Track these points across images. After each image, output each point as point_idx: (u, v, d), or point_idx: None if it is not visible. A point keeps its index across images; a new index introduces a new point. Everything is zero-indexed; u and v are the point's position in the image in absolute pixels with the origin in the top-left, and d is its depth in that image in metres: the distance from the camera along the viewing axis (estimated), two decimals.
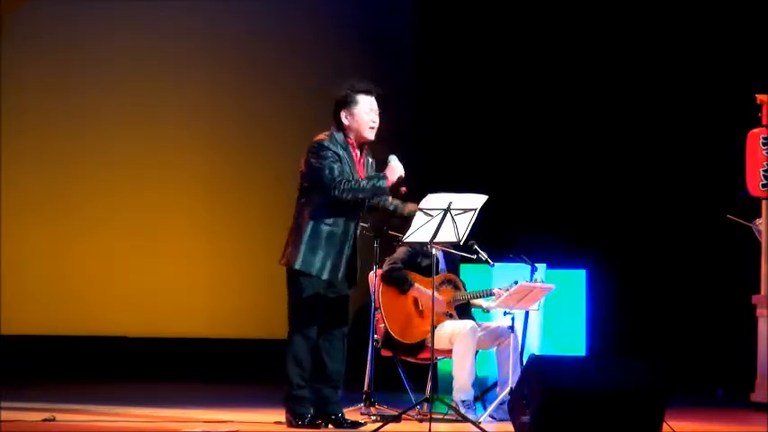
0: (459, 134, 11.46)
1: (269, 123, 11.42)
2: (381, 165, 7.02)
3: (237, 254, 11.36)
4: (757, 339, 9.29)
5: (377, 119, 6.99)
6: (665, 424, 6.48)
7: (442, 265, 8.11)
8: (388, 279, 7.86)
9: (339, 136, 6.95)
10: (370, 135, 6.99)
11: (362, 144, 7.03)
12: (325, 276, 6.87)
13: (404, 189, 6.98)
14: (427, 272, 7.26)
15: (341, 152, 6.90)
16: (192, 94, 11.43)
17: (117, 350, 11.12)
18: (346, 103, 6.96)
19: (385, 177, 6.90)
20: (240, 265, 11.35)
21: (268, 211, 11.20)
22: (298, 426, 6.88)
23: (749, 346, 9.40)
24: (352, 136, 6.98)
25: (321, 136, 6.96)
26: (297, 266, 6.86)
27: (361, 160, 7.02)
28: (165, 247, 11.33)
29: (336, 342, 6.99)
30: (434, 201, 7.02)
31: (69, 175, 11.20)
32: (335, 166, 6.83)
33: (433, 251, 7.55)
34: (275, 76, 11.49)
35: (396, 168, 6.94)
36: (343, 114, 6.97)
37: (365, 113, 6.96)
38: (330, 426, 6.96)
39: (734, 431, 7.95)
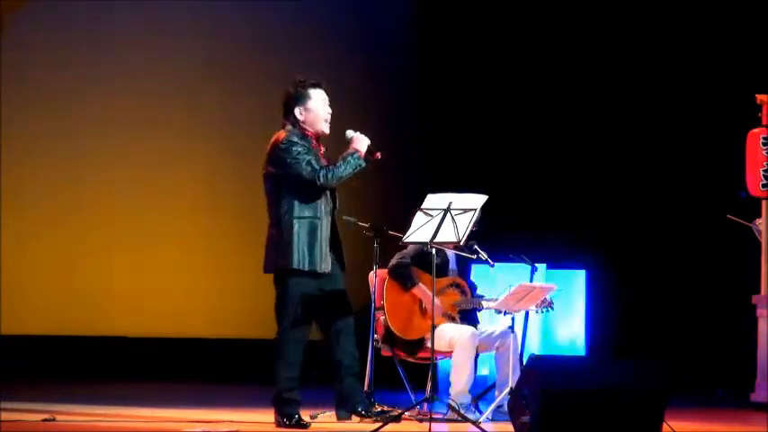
0: (459, 134, 11.46)
1: (269, 124, 11.36)
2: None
3: (237, 254, 11.35)
4: (757, 339, 9.29)
5: (330, 111, 7.04)
6: (665, 424, 6.48)
7: (453, 265, 8.10)
8: (393, 273, 7.85)
9: (296, 132, 6.98)
10: (326, 128, 7.05)
11: (318, 137, 7.06)
12: (321, 269, 6.89)
13: (378, 154, 7.00)
14: (436, 270, 7.26)
15: (306, 143, 6.95)
16: (192, 94, 11.44)
17: (117, 350, 11.12)
18: (300, 98, 7.01)
19: (356, 152, 6.93)
20: (240, 266, 11.33)
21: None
22: (285, 425, 6.91)
23: (749, 346, 9.40)
24: (310, 130, 7.02)
25: (281, 134, 6.98)
26: (294, 266, 6.87)
27: (321, 150, 7.04)
28: (165, 247, 11.33)
29: (344, 334, 7.04)
30: (434, 201, 7.02)
31: (69, 175, 11.20)
32: (311, 158, 6.89)
33: (446, 251, 7.59)
34: (275, 77, 11.45)
35: (360, 139, 6.98)
36: (297, 110, 7.01)
37: (319, 106, 7.02)
38: (357, 418, 7.00)
39: (734, 431, 7.95)
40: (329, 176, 6.84)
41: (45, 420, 7.06)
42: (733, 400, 9.84)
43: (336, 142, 7.15)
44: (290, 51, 11.49)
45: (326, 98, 7.04)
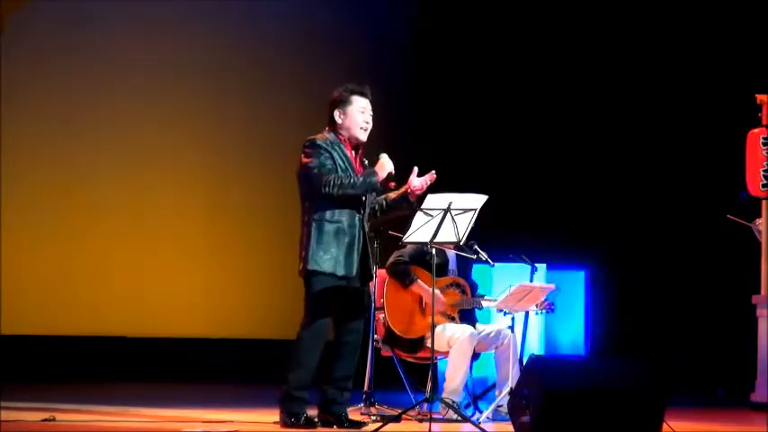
0: (458, 134, 11.47)
1: (268, 125, 11.42)
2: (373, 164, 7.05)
3: (237, 254, 11.37)
4: (757, 339, 9.30)
5: (370, 120, 7.08)
6: (665, 424, 6.48)
7: (453, 265, 8.10)
8: (391, 272, 7.88)
9: (332, 135, 7.03)
10: (362, 135, 7.06)
11: (356, 145, 7.08)
12: (340, 273, 6.89)
13: (392, 184, 7.03)
14: (436, 270, 7.26)
15: (334, 149, 6.96)
16: (192, 94, 11.44)
17: (117, 350, 11.12)
18: (341, 102, 7.06)
19: (375, 174, 6.94)
20: (239, 266, 11.35)
21: (267, 212, 11.21)
22: (291, 425, 6.89)
23: (749, 346, 9.40)
24: (345, 135, 7.04)
25: (315, 135, 7.03)
26: (309, 267, 6.87)
27: (357, 159, 7.06)
28: (165, 247, 11.33)
29: (352, 340, 7.01)
30: (434, 201, 7.02)
31: (69, 175, 11.20)
32: (327, 163, 6.90)
33: (446, 251, 7.59)
34: (274, 77, 11.49)
35: (386, 164, 6.98)
36: (337, 113, 7.05)
37: (358, 113, 7.04)
38: (333, 426, 6.98)
39: (734, 431, 7.95)
40: (335, 184, 6.84)
41: (45, 420, 7.05)
42: (733, 400, 9.84)
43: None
44: (289, 52, 11.50)
45: (368, 107, 7.06)
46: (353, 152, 7.07)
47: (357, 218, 6.98)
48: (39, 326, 11.03)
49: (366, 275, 7.05)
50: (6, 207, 10.98)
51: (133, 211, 11.27)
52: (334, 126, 7.06)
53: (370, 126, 7.08)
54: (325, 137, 7.01)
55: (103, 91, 11.26)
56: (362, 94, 7.07)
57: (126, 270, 11.21)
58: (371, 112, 7.09)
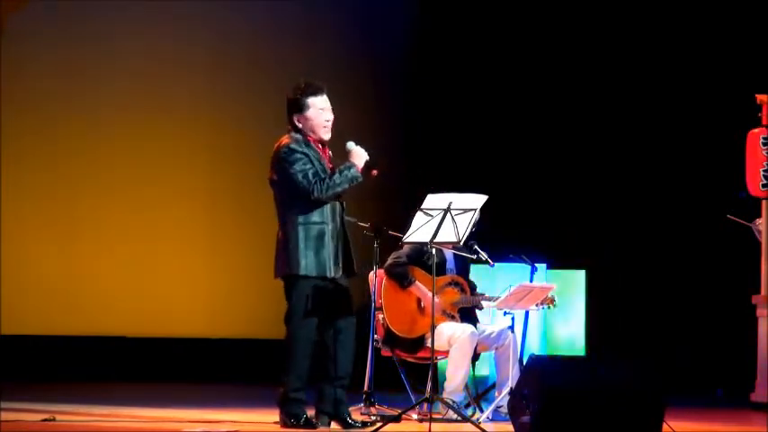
0: (458, 134, 11.46)
1: (268, 125, 11.34)
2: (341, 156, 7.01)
3: (237, 254, 11.36)
4: (757, 339, 9.30)
5: (330, 116, 6.98)
6: (665, 424, 6.48)
7: (450, 264, 8.10)
8: (389, 273, 7.87)
9: (299, 136, 6.95)
10: (326, 135, 6.98)
11: (323, 143, 7.03)
12: (330, 275, 6.88)
13: (375, 172, 6.98)
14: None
15: (308, 151, 6.90)
16: (193, 94, 11.43)
17: (117, 350, 11.12)
18: (297, 108, 6.95)
19: (353, 165, 6.89)
20: (240, 266, 11.34)
21: (268, 212, 11.16)
22: (292, 426, 6.88)
23: (749, 346, 9.40)
24: (312, 135, 6.97)
25: (284, 140, 6.95)
26: (301, 271, 6.84)
27: (326, 154, 7.02)
28: (165, 247, 11.33)
29: (345, 338, 6.98)
30: (434, 201, 7.02)
31: (69, 175, 11.20)
32: (308, 168, 6.84)
33: (444, 251, 7.58)
34: (274, 76, 11.47)
35: (359, 153, 6.94)
36: (296, 119, 6.96)
37: (317, 115, 6.95)
38: (336, 426, 6.97)
39: (734, 431, 7.95)
40: (323, 190, 6.80)
41: (45, 420, 7.05)
42: (733, 400, 9.84)
43: (337, 147, 7.13)
44: (290, 52, 11.49)
45: (326, 104, 6.96)
46: (320, 146, 7.00)
47: (337, 214, 6.97)
48: (39, 326, 11.03)
49: (350, 271, 7.02)
50: (6, 207, 10.98)
51: (133, 211, 11.26)
52: (296, 128, 6.97)
53: (331, 121, 6.97)
54: (295, 139, 6.92)
55: (104, 90, 11.26)
56: (317, 93, 6.94)
57: (126, 270, 11.21)
58: (330, 106, 6.96)
